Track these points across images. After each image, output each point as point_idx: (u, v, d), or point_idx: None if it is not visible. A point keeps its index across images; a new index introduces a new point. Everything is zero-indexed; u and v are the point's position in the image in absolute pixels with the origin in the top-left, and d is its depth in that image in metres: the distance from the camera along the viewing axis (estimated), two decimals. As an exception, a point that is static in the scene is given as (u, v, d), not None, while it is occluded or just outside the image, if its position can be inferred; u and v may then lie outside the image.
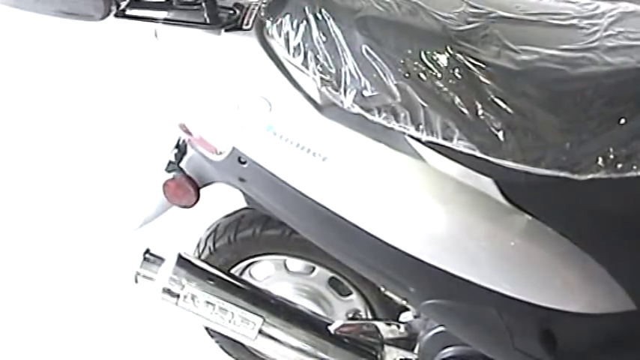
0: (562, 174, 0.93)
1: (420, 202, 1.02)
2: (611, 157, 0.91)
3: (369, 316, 1.54)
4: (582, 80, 0.94)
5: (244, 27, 1.08)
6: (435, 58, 0.96)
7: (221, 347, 1.67)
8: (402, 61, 0.96)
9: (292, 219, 1.18)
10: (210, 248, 1.51)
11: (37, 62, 2.53)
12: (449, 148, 0.96)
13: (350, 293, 1.56)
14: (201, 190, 1.28)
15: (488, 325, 1.10)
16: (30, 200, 2.11)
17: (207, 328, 1.58)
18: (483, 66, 0.94)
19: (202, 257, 1.51)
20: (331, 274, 1.50)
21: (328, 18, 0.99)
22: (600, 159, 0.90)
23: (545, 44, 0.98)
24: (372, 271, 1.17)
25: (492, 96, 0.93)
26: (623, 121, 0.90)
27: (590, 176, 0.91)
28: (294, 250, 1.44)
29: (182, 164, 1.29)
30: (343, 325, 1.38)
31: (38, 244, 1.99)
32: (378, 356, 1.37)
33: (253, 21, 1.07)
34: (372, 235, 1.06)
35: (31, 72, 2.50)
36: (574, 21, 1.02)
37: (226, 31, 1.07)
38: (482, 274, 1.05)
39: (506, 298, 1.05)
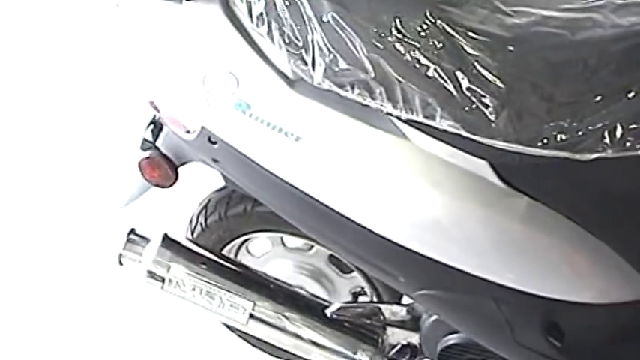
0: (562, 154, 0.84)
1: (406, 186, 0.95)
2: (619, 133, 0.82)
3: (373, 294, 1.50)
4: (585, 46, 0.85)
5: None
6: (411, 25, 0.87)
7: (245, 340, 1.64)
8: (374, 30, 0.87)
9: (270, 202, 1.13)
10: (201, 225, 1.48)
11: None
12: (433, 127, 0.88)
13: (352, 270, 1.47)
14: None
15: (486, 317, 1.04)
16: (8, 182, 2.10)
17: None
18: (468, 33, 0.85)
19: (194, 234, 1.49)
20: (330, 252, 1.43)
21: None
22: (606, 136, 0.82)
23: (542, 4, 0.88)
24: (356, 258, 1.11)
25: (479, 67, 0.85)
26: (632, 93, 0.82)
27: (594, 156, 0.83)
28: (287, 227, 1.34)
29: (158, 142, 1.24)
30: (341, 308, 1.32)
31: (20, 229, 1.98)
32: (380, 339, 1.33)
33: None
34: (353, 222, 1.00)
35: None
36: (580, -27, 0.88)
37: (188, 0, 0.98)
38: (478, 264, 0.98)
39: (505, 289, 0.99)
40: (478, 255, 0.97)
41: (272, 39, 0.93)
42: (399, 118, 0.90)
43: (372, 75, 0.88)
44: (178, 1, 1.00)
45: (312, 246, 1.51)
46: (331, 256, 1.50)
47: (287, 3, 0.91)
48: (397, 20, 0.87)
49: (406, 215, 0.97)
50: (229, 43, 0.98)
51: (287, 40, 0.92)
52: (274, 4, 0.92)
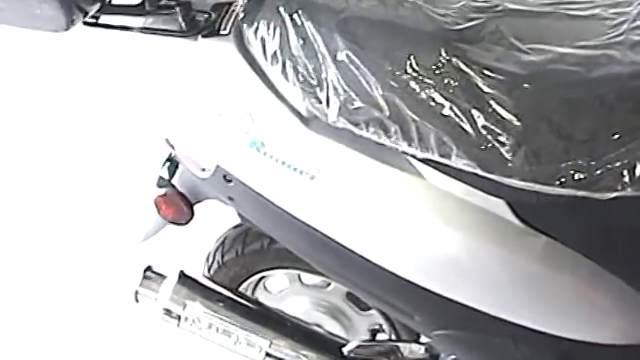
0: (580, 193, 0.83)
1: (422, 225, 0.93)
2: (638, 172, 0.81)
3: (392, 332, 1.48)
4: (602, 83, 0.83)
5: (222, 32, 1.02)
6: (426, 63, 0.86)
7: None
8: (388, 68, 0.87)
9: (286, 240, 1.12)
10: (218, 262, 1.47)
11: (15, 74, 2.42)
12: (449, 165, 0.88)
13: (370, 307, 1.44)
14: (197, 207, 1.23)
15: (504, 357, 1.02)
16: (27, 217, 2.09)
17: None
18: (484, 70, 0.85)
19: (211, 271, 1.48)
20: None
21: (306, 20, 0.91)
22: (625, 174, 0.81)
23: (559, 41, 0.87)
24: (371, 296, 1.10)
25: (495, 105, 0.84)
26: (651, 130, 0.76)
27: (614, 195, 0.82)
28: (304, 264, 1.31)
29: (174, 180, 1.24)
30: (359, 347, 1.31)
31: (36, 261, 1.98)
32: (398, 378, 1.24)
33: (231, 25, 1.01)
34: (369, 261, 0.98)
35: (8, 85, 2.40)
36: (597, 10, 0.90)
37: (203, 36, 1.01)
38: (495, 303, 0.96)
39: (524, 330, 0.96)
40: (495, 294, 0.95)
41: (286, 77, 0.93)
42: (414, 156, 0.89)
43: (387, 113, 0.88)
44: (194, 39, 1.01)
45: (329, 283, 1.49)
46: (348, 293, 1.48)
47: (301, 41, 0.91)
48: (412, 58, 0.86)
49: (422, 254, 0.95)
50: (244, 81, 0.98)
51: (301, 79, 0.92)
52: (288, 42, 0.92)
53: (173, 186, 1.24)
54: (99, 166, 2.30)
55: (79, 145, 2.40)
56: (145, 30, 1.02)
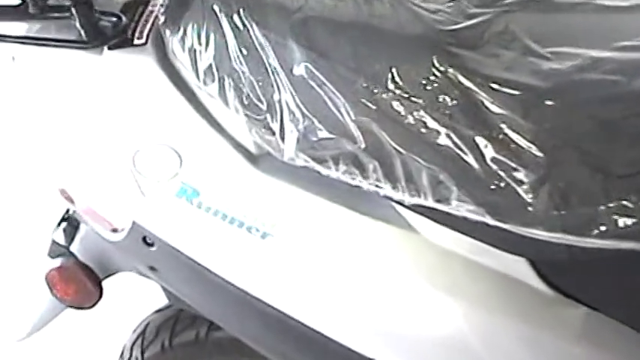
0: (627, 245, 0.84)
1: (417, 296, 0.95)
2: None
3: None
4: None
5: (136, 41, 1.04)
6: (413, 76, 0.88)
7: None
8: (363, 85, 0.89)
9: (231, 324, 1.13)
10: (137, 359, 1.43)
11: None
12: (448, 213, 0.88)
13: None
14: (106, 282, 1.25)
15: None
16: None
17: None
18: (491, 84, 0.86)
19: None
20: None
21: (251, 22, 0.93)
22: None
23: (591, 42, 0.89)
24: None
25: (507, 130, 0.85)
26: None
27: None
28: (256, 357, 1.33)
29: (73, 246, 1.25)
30: None
31: None
32: None
33: (149, 32, 1.03)
34: (346, 347, 1.00)
35: None
36: (643, 0, 0.87)
37: (110, 48, 1.03)
38: None
39: None
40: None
41: (225, 100, 0.95)
42: (401, 202, 0.90)
43: (362, 145, 0.89)
44: (98, 51, 1.02)
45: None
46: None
47: (244, 51, 0.92)
48: (394, 71, 0.88)
49: (417, 336, 0.96)
50: (167, 107, 0.99)
51: (246, 101, 0.94)
52: (227, 52, 0.93)
53: (72, 255, 1.24)
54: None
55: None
56: (29, 41, 1.03)
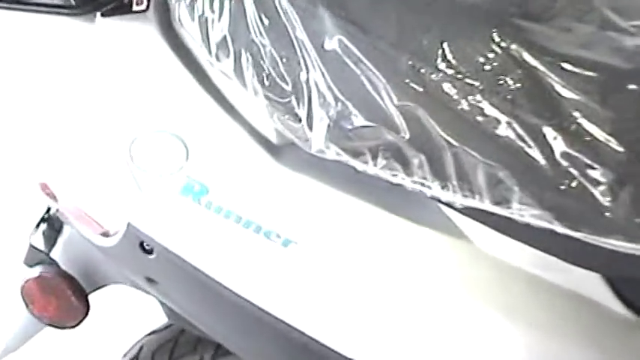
0: None
1: (468, 317, 0.96)
2: None
3: None
4: None
5: (135, 7, 1.04)
6: (469, 53, 0.88)
7: None
8: (408, 63, 0.89)
9: (243, 348, 1.15)
10: None
11: None
12: (508, 219, 0.89)
13: None
14: (93, 296, 1.25)
15: None
16: None
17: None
18: (563, 64, 0.87)
19: None
20: None
21: None
22: None
23: None
24: None
25: (581, 120, 0.86)
26: None
27: None
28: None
29: (54, 253, 1.26)
30: None
31: None
32: None
33: None
34: None
35: None
36: None
37: (104, 15, 1.04)
38: None
39: None
40: None
41: (242, 80, 0.96)
42: (451, 205, 0.91)
43: (406, 135, 0.90)
44: (90, 18, 1.03)
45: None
46: None
47: (265, 20, 0.93)
48: (445, 46, 0.89)
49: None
50: (172, 86, 1.00)
51: (267, 81, 0.95)
52: (245, 22, 0.94)
53: (54, 262, 1.25)
54: None
55: None
56: (6, 4, 1.04)
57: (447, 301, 0.92)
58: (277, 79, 0.93)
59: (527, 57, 0.87)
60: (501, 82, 0.87)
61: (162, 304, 1.26)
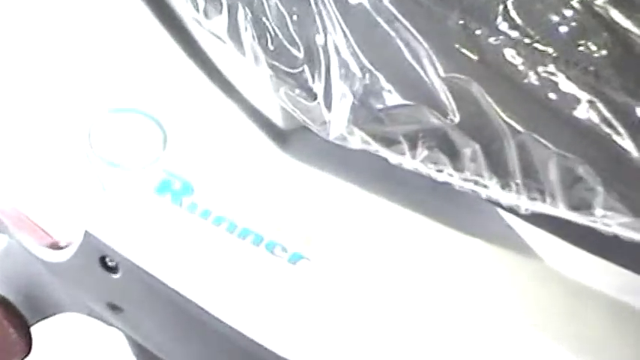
0: None
1: (534, 354, 0.96)
2: None
3: None
4: None
5: None
6: (539, 11, 0.89)
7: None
8: (459, 23, 0.90)
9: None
10: None
11: None
12: (588, 229, 0.89)
13: None
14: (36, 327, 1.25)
15: None
16: None
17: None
18: None
19: None
20: None
21: None
22: None
23: None
24: None
25: None
26: None
27: None
28: None
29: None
30: None
31: None
32: None
33: None
34: None
35: None
36: None
37: None
38: None
39: None
40: None
41: (239, 43, 0.96)
42: (514, 210, 0.91)
43: (456, 118, 0.90)
44: None
45: None
46: None
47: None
48: (508, 1, 0.89)
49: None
50: (146, 52, 1.01)
51: (271, 46, 0.95)
52: None
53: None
54: None
55: None
56: None
57: (507, 334, 0.93)
58: (285, 43, 0.93)
59: (615, 15, 0.87)
60: (581, 48, 0.87)
61: (128, 339, 1.27)
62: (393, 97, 0.92)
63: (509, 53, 0.88)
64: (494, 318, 0.95)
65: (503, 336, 0.96)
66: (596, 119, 0.86)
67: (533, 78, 0.88)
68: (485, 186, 0.92)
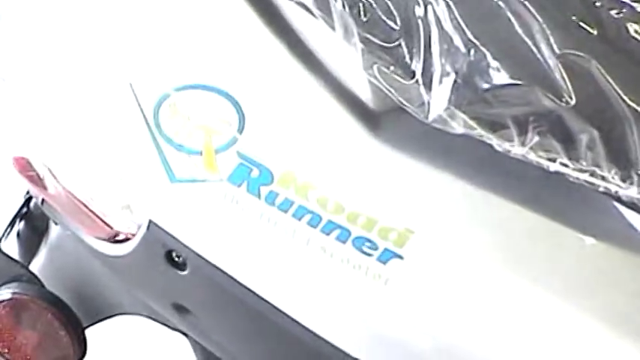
0: None
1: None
2: None
3: None
4: None
5: None
6: None
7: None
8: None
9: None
10: None
11: None
12: None
13: None
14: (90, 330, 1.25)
15: None
16: None
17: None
18: None
19: None
20: None
21: None
22: None
23: None
24: None
25: None
26: None
27: None
28: None
29: (35, 265, 1.26)
30: None
31: None
32: None
33: None
34: None
35: None
36: None
37: None
38: None
39: None
40: None
41: (328, 14, 0.96)
42: (637, 206, 0.91)
43: (572, 100, 0.89)
44: None
45: None
46: None
47: None
48: None
49: None
50: (222, 24, 1.02)
51: (365, 17, 0.94)
52: None
53: (34, 279, 1.25)
54: None
55: None
56: None
57: (632, 347, 0.91)
58: (380, 13, 0.92)
59: None
60: None
61: (194, 344, 1.27)
62: (500, 76, 0.92)
63: (633, 28, 0.87)
64: (620, 327, 0.96)
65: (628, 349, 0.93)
66: None
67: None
68: (603, 178, 0.92)
